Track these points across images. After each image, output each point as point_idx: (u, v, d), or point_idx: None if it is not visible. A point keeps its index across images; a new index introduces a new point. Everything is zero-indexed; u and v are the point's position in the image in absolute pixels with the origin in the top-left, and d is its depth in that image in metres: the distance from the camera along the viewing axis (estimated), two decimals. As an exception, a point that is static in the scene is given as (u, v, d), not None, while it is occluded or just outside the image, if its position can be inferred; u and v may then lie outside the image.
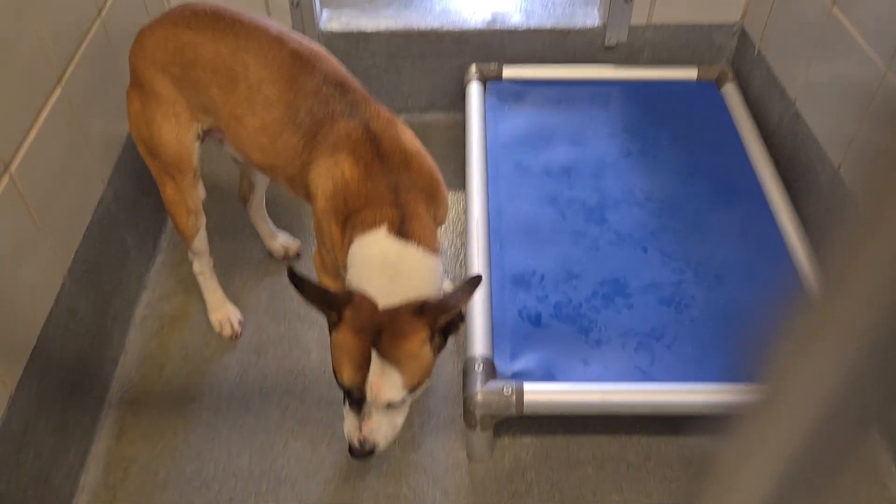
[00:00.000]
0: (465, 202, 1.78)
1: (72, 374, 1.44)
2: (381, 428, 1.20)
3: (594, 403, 1.38)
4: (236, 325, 1.69)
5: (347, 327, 1.14)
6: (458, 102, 2.18)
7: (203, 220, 1.57)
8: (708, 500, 0.30)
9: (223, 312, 1.70)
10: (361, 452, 1.21)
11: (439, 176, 1.31)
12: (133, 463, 1.47)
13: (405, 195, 1.22)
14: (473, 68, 2.13)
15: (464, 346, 1.49)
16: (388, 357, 1.13)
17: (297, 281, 1.15)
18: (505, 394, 1.36)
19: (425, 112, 2.29)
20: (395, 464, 1.47)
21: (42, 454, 1.30)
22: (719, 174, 1.85)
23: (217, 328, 1.69)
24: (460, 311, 1.16)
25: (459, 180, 1.99)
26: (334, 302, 1.15)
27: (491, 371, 1.40)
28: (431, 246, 1.22)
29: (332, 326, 1.17)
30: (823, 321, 0.23)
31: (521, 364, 1.43)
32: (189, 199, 1.50)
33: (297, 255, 1.87)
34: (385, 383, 1.14)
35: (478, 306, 1.50)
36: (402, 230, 1.19)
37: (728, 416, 0.28)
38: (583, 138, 1.96)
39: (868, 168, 0.21)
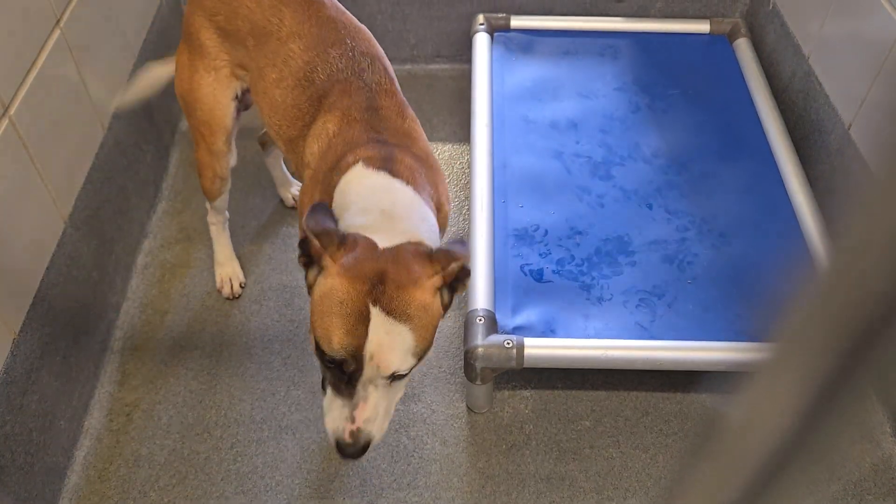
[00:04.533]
0: (469, 155, 1.77)
1: (74, 320, 1.44)
2: (380, 412, 0.97)
3: (594, 358, 1.39)
4: (236, 287, 1.67)
5: (340, 273, 0.92)
6: (465, 53, 2.14)
7: (229, 185, 1.55)
8: (712, 457, 0.30)
9: (228, 270, 1.68)
10: (355, 450, 0.97)
11: (439, 166, 1.20)
12: (136, 408, 1.49)
13: (394, 145, 1.11)
14: (480, 18, 2.09)
15: (466, 300, 1.49)
16: (395, 311, 0.92)
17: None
18: (505, 347, 1.37)
19: (431, 62, 2.25)
20: (396, 415, 1.49)
21: (46, 398, 1.32)
22: (728, 131, 1.82)
23: (218, 284, 1.68)
24: (466, 264, 0.98)
25: (464, 132, 1.97)
26: (325, 239, 0.94)
27: (492, 325, 1.41)
28: (426, 192, 1.08)
29: (316, 276, 0.97)
30: (832, 285, 0.22)
31: (522, 318, 1.44)
32: (218, 165, 1.48)
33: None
34: (392, 347, 0.92)
35: (480, 260, 1.50)
36: (387, 167, 1.06)
37: (735, 375, 0.28)
38: (591, 92, 1.93)
39: (881, 129, 0.20)
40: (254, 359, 1.57)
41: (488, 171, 1.69)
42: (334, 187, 1.08)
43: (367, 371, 0.94)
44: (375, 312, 0.92)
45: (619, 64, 2.01)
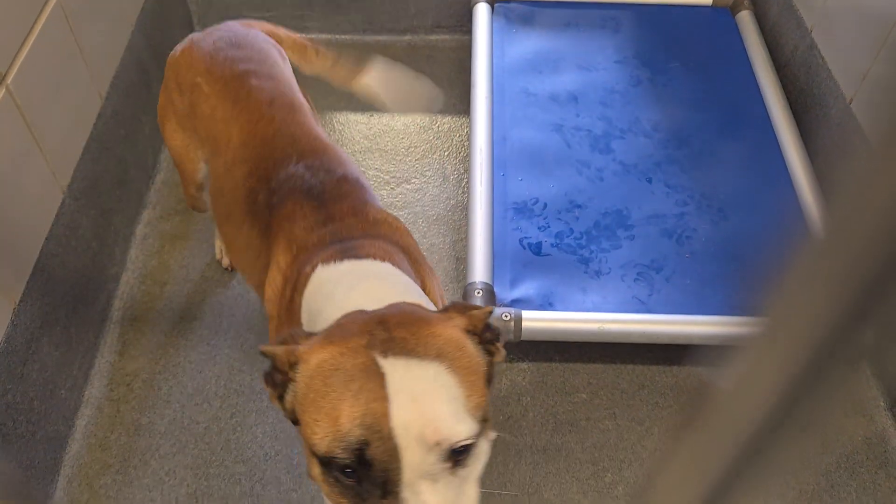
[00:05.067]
0: (469, 128, 1.76)
1: (74, 291, 1.45)
2: None
3: (591, 332, 1.39)
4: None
5: (323, 344, 0.69)
6: (465, 23, 2.12)
7: (207, 207, 1.45)
8: (700, 429, 0.30)
9: None
10: None
11: (430, 265, 1.05)
12: (136, 378, 1.50)
13: (360, 236, 0.95)
14: (481, -12, 2.06)
15: (464, 273, 1.49)
16: (416, 349, 0.66)
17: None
18: (503, 320, 1.37)
19: (431, 33, 2.22)
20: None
21: (47, 367, 1.32)
22: (729, 105, 1.81)
23: (218, 255, 1.68)
24: (490, 322, 0.74)
25: (464, 105, 1.95)
26: (289, 338, 0.73)
27: (490, 297, 1.41)
28: (409, 274, 0.92)
29: (294, 368, 0.70)
30: (826, 253, 0.23)
31: (520, 291, 1.44)
32: (195, 200, 1.43)
33: None
34: (431, 396, 0.63)
35: (479, 233, 1.50)
36: (350, 254, 0.90)
37: (726, 347, 0.28)
38: (592, 64, 1.91)
39: (880, 100, 0.20)
40: (253, 329, 1.58)
41: (488, 143, 1.68)
42: (299, 307, 0.89)
43: (409, 457, 0.61)
44: (389, 364, 0.64)
45: (620, 36, 1.99)
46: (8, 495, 0.31)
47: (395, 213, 1.78)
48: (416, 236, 1.73)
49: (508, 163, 1.67)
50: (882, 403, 1.50)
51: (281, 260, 0.97)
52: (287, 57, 1.30)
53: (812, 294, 0.23)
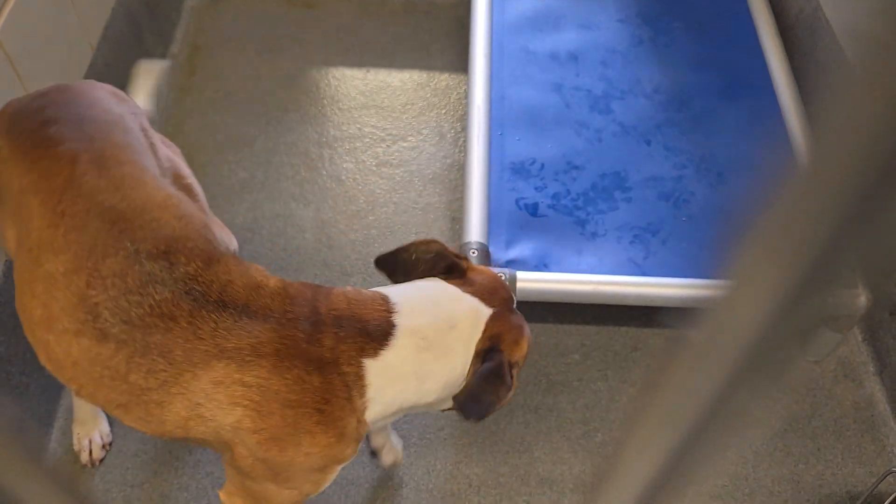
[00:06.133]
0: (467, 86, 1.73)
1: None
2: None
3: (585, 293, 1.40)
4: (97, 452, 1.30)
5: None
6: (465, -21, 2.08)
7: None
8: (668, 387, 0.30)
9: (89, 429, 1.30)
10: None
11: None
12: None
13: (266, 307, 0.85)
14: (482, -58, 2.01)
15: (460, 233, 1.49)
16: None
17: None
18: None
19: (429, -12, 2.18)
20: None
21: (40, 320, 1.32)
22: (731, 68, 1.79)
23: (76, 446, 1.30)
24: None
25: (462, 62, 1.93)
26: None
27: (486, 257, 1.41)
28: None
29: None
30: (809, 179, 0.22)
31: (515, 252, 1.44)
32: None
33: None
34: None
35: (475, 193, 1.49)
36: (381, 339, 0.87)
37: (695, 309, 0.28)
38: (593, 23, 1.88)
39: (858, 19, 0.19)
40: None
41: (486, 102, 1.66)
42: (361, 390, 0.87)
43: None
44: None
45: (623, -5, 1.95)
46: (9, 431, 0.31)
47: (391, 172, 1.77)
48: (411, 195, 1.73)
49: (506, 122, 1.65)
50: (871, 368, 1.52)
51: (263, 374, 0.82)
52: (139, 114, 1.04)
53: (796, 216, 0.23)
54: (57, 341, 0.84)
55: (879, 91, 0.18)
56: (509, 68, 1.76)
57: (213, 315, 0.82)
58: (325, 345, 0.83)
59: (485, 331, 0.89)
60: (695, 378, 0.28)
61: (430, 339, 0.86)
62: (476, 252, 1.40)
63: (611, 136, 1.64)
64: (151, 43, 1.86)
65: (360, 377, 0.84)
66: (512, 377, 0.89)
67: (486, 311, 0.90)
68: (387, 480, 1.34)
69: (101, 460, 1.32)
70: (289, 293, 0.86)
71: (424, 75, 1.97)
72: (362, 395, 0.85)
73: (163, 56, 1.93)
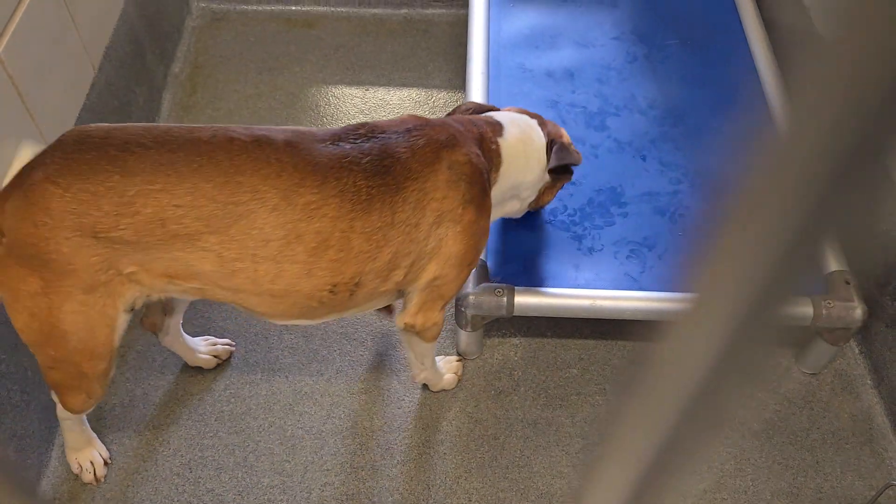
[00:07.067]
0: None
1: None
2: None
3: (583, 308, 1.40)
4: (101, 471, 1.34)
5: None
6: (462, -3, 2.10)
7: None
8: (643, 392, 0.31)
9: (85, 454, 1.34)
10: None
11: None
12: (130, 349, 1.50)
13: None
14: (479, -39, 2.04)
15: (457, 248, 1.50)
16: None
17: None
18: (496, 295, 1.38)
19: (427, 7, 2.21)
20: (387, 360, 1.51)
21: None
22: (725, 83, 1.81)
23: (76, 470, 1.34)
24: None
25: (459, 80, 1.95)
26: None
27: (483, 273, 1.42)
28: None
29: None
30: (786, 150, 0.23)
31: (513, 267, 1.45)
32: (97, 385, 1.15)
33: (230, 357, 1.50)
34: None
35: (473, 209, 1.50)
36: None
37: (663, 321, 0.29)
38: (589, 41, 1.90)
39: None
40: (247, 303, 1.58)
41: (483, 119, 1.68)
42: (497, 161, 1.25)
43: None
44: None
45: (617, 12, 1.98)
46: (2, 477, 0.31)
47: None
48: (410, 211, 1.74)
49: (503, 139, 1.66)
50: (869, 381, 1.52)
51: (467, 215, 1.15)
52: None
53: (773, 187, 0.23)
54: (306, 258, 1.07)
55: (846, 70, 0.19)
56: (506, 85, 1.78)
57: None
58: (485, 136, 1.24)
59: (542, 129, 1.32)
60: (666, 385, 0.29)
61: (522, 129, 1.28)
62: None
63: (606, 151, 1.66)
64: (153, 62, 1.88)
65: (498, 154, 1.23)
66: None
67: (534, 121, 1.32)
68: (387, 496, 1.34)
69: (102, 479, 1.34)
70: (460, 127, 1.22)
71: (423, 93, 2.00)
72: (497, 168, 1.24)
73: (163, 78, 1.95)
